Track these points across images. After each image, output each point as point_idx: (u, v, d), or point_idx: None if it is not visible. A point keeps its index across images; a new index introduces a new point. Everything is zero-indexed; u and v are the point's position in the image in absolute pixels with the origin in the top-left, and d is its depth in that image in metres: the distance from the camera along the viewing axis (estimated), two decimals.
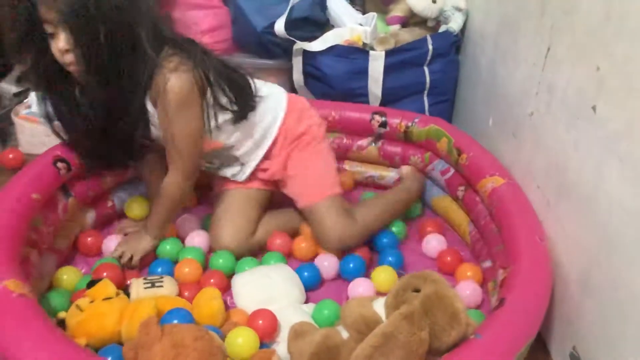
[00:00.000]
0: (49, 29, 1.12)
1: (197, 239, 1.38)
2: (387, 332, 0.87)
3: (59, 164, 1.30)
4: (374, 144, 1.66)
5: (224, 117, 1.29)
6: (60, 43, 1.11)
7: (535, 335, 0.98)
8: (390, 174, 1.67)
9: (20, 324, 0.88)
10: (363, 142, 1.67)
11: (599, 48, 1.01)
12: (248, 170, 1.41)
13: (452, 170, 1.51)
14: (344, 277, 1.32)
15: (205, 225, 1.44)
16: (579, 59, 1.09)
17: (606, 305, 0.98)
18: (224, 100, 1.27)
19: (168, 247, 1.34)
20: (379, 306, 0.96)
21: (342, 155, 1.68)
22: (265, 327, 1.09)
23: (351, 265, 1.31)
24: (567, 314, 1.11)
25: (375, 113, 1.63)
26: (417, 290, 0.91)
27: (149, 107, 1.22)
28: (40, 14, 1.10)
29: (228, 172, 1.43)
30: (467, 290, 1.23)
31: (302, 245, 1.39)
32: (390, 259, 1.34)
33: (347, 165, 1.70)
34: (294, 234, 1.43)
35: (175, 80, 1.17)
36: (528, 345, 0.96)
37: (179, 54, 1.20)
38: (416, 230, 1.51)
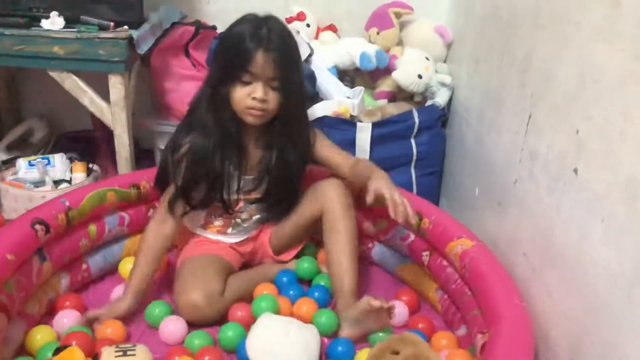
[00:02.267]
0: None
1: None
2: None
3: (37, 226, 1.27)
4: None
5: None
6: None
7: None
8: None
9: None
10: None
11: (577, 112, 1.03)
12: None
13: (412, 236, 1.48)
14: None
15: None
16: (559, 124, 1.10)
17: None
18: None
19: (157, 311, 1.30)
20: None
21: None
22: None
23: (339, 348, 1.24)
24: None
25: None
26: (397, 353, 0.87)
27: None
28: None
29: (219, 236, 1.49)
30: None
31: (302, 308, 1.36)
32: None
33: None
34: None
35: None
36: None
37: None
38: None
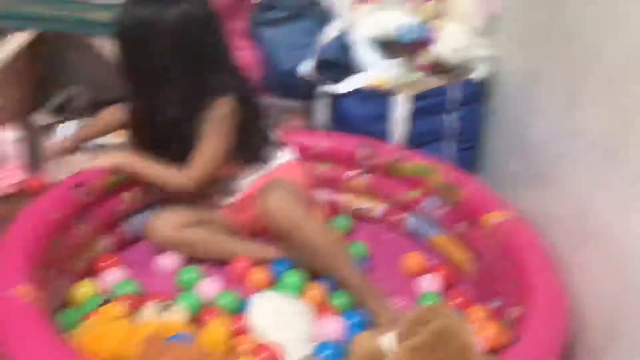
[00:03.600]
0: None
1: None
2: None
3: (78, 189, 1.33)
4: (361, 176, 1.66)
5: (241, 153, 1.43)
6: None
7: None
8: (379, 207, 1.65)
9: (26, 329, 0.89)
10: (352, 173, 1.67)
11: (624, 89, 1.00)
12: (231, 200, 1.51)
13: (446, 207, 1.48)
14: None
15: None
16: (605, 100, 1.08)
17: (635, 353, 0.93)
18: (245, 139, 1.41)
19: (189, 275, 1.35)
20: (389, 341, 0.93)
21: (332, 185, 1.70)
22: None
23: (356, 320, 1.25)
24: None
25: (362, 145, 1.63)
26: (429, 323, 0.88)
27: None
28: None
29: (215, 199, 1.52)
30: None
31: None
32: None
33: (338, 197, 1.70)
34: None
35: (222, 100, 1.33)
36: None
37: (231, 82, 1.37)
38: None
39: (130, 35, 1.31)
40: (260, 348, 1.08)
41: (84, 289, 1.28)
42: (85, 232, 1.36)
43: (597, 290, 1.05)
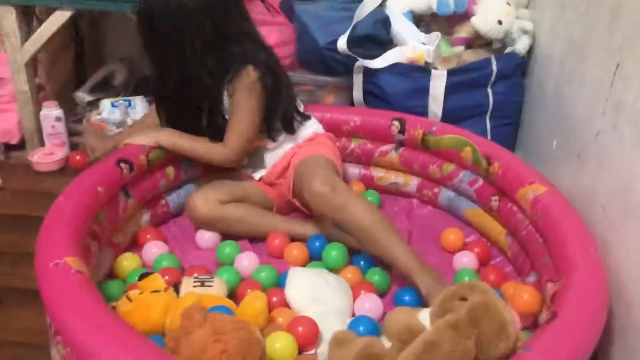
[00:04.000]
0: None
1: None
2: (430, 340, 0.84)
3: (122, 165, 1.37)
4: (394, 151, 1.66)
5: (270, 124, 1.47)
6: None
7: (590, 354, 0.92)
8: (413, 182, 1.66)
9: (73, 298, 0.92)
10: (385, 147, 1.67)
11: None
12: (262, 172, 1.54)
13: (480, 180, 1.47)
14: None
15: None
16: None
17: None
18: (274, 110, 1.44)
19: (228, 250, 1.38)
20: (425, 317, 0.93)
21: (365, 160, 1.71)
22: (306, 334, 1.08)
23: (406, 297, 1.24)
24: (630, 339, 1.04)
25: (395, 119, 1.63)
26: (464, 300, 0.88)
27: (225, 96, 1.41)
28: None
29: (249, 171, 1.56)
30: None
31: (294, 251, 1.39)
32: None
33: (372, 171, 1.72)
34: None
35: (251, 69, 1.36)
36: None
37: (254, 53, 1.39)
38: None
39: (155, 13, 1.33)
40: (296, 321, 1.10)
41: (127, 262, 1.32)
42: (129, 206, 1.40)
43: (637, 267, 1.03)
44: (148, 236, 1.43)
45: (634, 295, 1.03)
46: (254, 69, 1.37)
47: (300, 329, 1.08)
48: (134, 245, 1.43)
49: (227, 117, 1.44)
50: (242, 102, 1.39)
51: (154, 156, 1.45)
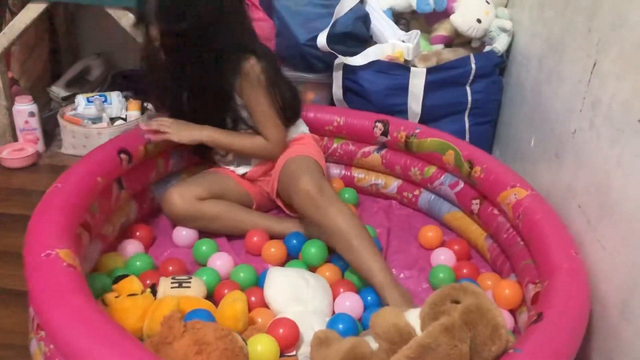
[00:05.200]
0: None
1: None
2: (425, 344, 0.82)
3: (122, 155, 1.33)
4: (376, 152, 1.66)
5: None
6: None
7: (577, 350, 0.93)
8: (393, 183, 1.66)
9: (63, 292, 0.87)
10: (368, 149, 1.67)
11: None
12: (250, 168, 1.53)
13: (461, 184, 1.47)
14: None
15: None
16: (625, 72, 1.05)
17: None
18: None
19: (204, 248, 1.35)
20: (413, 317, 0.92)
21: (347, 161, 1.71)
22: (287, 336, 1.06)
23: (369, 298, 1.23)
24: (604, 338, 1.04)
25: (378, 121, 1.63)
26: (457, 302, 0.87)
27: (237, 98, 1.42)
28: None
29: (232, 166, 1.54)
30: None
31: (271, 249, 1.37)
32: None
33: (353, 172, 1.72)
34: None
35: (250, 62, 1.36)
36: None
37: (257, 50, 1.39)
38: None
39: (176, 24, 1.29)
40: (276, 323, 1.08)
41: (110, 260, 1.28)
42: (121, 197, 1.36)
43: (612, 265, 1.04)
44: (137, 233, 1.41)
45: (609, 293, 1.04)
46: (255, 61, 1.37)
47: (281, 330, 1.06)
48: (124, 237, 1.40)
49: (242, 113, 1.44)
50: (257, 96, 1.39)
51: (152, 147, 1.43)
